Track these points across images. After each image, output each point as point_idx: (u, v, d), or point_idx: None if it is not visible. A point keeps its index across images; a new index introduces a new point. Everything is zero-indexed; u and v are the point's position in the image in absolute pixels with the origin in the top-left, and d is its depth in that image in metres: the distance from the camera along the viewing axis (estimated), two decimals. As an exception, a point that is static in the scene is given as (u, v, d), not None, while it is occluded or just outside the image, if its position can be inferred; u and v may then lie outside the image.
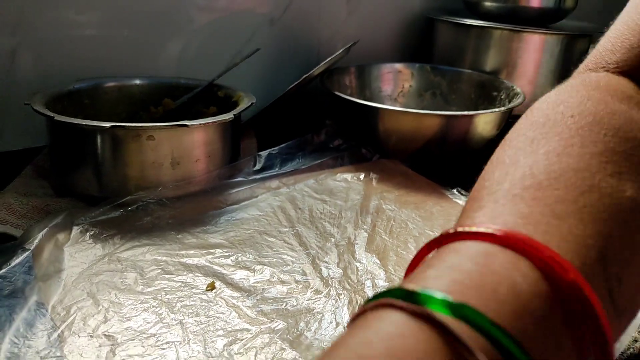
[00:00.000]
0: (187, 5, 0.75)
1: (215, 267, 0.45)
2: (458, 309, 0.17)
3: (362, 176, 0.64)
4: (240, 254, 0.47)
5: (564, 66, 0.88)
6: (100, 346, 0.35)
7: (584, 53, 0.92)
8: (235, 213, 0.54)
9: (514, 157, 0.25)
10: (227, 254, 0.47)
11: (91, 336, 0.36)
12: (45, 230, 0.45)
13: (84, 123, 0.50)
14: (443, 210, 0.57)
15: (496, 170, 0.25)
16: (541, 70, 0.88)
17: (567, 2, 0.88)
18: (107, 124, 0.49)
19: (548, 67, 0.87)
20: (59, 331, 0.36)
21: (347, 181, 0.63)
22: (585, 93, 0.28)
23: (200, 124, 0.53)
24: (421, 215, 0.56)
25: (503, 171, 0.25)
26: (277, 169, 0.64)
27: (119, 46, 0.72)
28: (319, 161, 0.66)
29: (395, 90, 0.89)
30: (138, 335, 0.36)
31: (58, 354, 0.34)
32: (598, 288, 0.20)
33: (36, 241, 0.44)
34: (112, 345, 0.35)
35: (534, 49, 0.86)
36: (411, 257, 0.27)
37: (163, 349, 0.35)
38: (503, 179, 0.24)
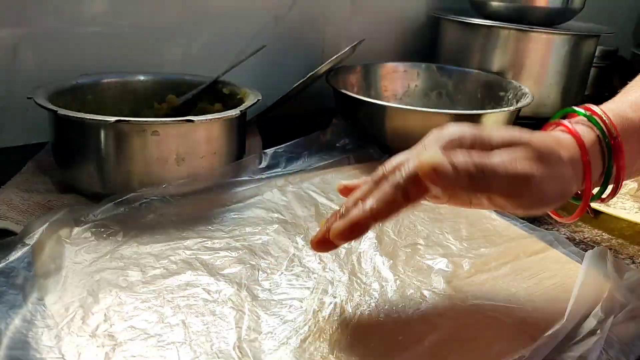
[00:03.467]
0: (193, 1, 0.75)
1: (219, 266, 0.44)
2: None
3: (368, 175, 0.62)
4: (245, 253, 0.46)
5: (571, 66, 0.87)
6: (100, 346, 0.34)
7: (591, 54, 0.92)
8: (240, 211, 0.53)
9: None
10: (232, 253, 0.46)
11: (91, 335, 0.35)
12: (46, 225, 0.44)
13: (87, 117, 0.49)
14: (451, 211, 0.56)
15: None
16: (548, 71, 0.87)
17: (575, 3, 0.87)
18: (111, 119, 0.48)
19: (555, 68, 0.86)
20: (58, 329, 0.35)
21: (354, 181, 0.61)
22: None
23: (206, 120, 0.52)
24: (430, 216, 0.55)
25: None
26: (282, 168, 0.63)
27: (123, 42, 0.71)
28: (326, 161, 0.65)
29: (401, 89, 0.88)
30: (139, 335, 0.35)
31: (57, 353, 0.33)
32: None
33: (36, 236, 0.43)
34: (112, 345, 0.34)
35: (541, 49, 0.85)
36: (419, 259, 0.46)
37: (165, 349, 0.34)
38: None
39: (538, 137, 0.37)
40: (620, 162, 0.38)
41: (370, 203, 0.35)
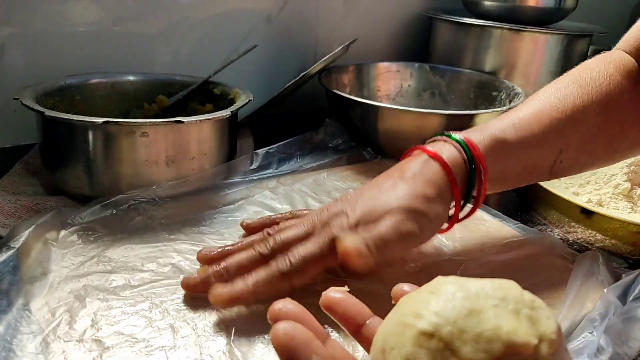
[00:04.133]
0: (183, 0, 0.74)
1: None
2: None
3: (361, 177, 0.62)
4: (235, 255, 0.45)
5: (564, 66, 0.86)
6: (87, 351, 0.33)
7: (584, 53, 0.91)
8: (231, 213, 0.52)
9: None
10: (222, 254, 0.45)
11: (78, 341, 0.34)
12: (32, 228, 0.43)
13: (75, 119, 0.48)
14: (444, 211, 0.55)
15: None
16: (541, 70, 0.87)
17: (567, 2, 0.87)
18: (99, 120, 0.47)
19: (548, 67, 0.86)
20: (44, 335, 0.34)
21: (347, 182, 0.61)
22: (597, 63, 0.49)
23: (196, 121, 0.52)
24: (422, 216, 0.54)
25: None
26: (274, 168, 0.62)
27: (112, 42, 0.70)
28: (318, 162, 0.65)
29: (394, 89, 0.88)
30: (127, 340, 0.35)
31: (42, 359, 0.32)
32: (546, 163, 0.45)
33: (22, 239, 0.42)
34: (99, 350, 0.34)
35: (534, 48, 0.85)
36: (410, 260, 0.47)
37: (153, 354, 0.34)
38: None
39: (405, 194, 0.40)
40: (484, 185, 0.42)
41: (253, 280, 0.37)
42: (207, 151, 0.55)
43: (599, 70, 0.47)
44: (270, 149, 0.64)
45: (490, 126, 0.44)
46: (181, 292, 0.40)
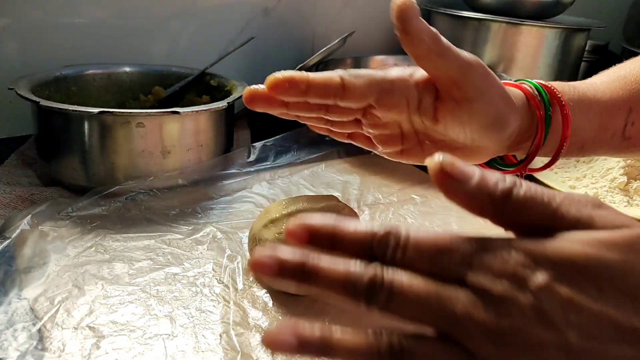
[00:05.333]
0: (180, -8, 0.73)
1: (206, 259, 0.43)
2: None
3: (358, 169, 0.62)
4: (232, 247, 0.45)
5: (562, 60, 0.86)
6: (84, 339, 0.33)
7: (582, 48, 0.91)
8: (227, 204, 0.52)
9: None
10: (219, 246, 0.45)
11: (75, 328, 0.34)
12: (28, 218, 0.43)
13: (70, 109, 0.48)
14: (442, 205, 0.55)
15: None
16: (539, 64, 0.86)
17: (565, -3, 0.87)
18: (95, 110, 0.47)
19: (546, 61, 0.86)
20: (42, 323, 0.34)
21: (344, 174, 0.61)
22: None
23: (192, 112, 0.51)
24: (420, 209, 0.54)
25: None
26: (271, 161, 0.62)
27: (109, 33, 0.70)
28: (315, 155, 0.64)
29: (391, 83, 0.87)
30: (124, 328, 0.35)
31: (39, 347, 0.32)
32: (618, 121, 0.42)
33: (18, 230, 0.42)
34: (97, 338, 0.34)
35: (532, 42, 0.85)
36: None
37: (150, 342, 0.34)
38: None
39: None
40: (566, 130, 0.38)
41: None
42: (204, 142, 0.55)
43: None
44: (268, 141, 0.64)
45: (569, 83, 0.42)
46: (179, 281, 0.40)
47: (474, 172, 0.22)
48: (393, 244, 0.22)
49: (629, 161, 0.61)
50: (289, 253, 0.21)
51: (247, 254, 0.44)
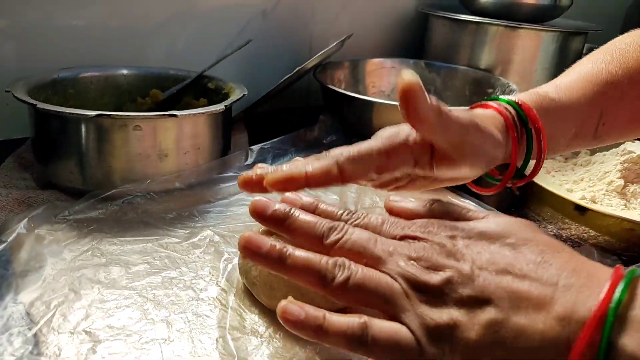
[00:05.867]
0: (178, -6, 0.73)
1: (204, 263, 0.43)
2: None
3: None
4: (230, 250, 0.45)
5: (559, 63, 0.87)
6: (80, 343, 0.33)
7: (579, 51, 0.92)
8: (225, 208, 0.52)
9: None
10: (216, 249, 0.45)
11: (71, 333, 0.34)
12: (24, 221, 0.43)
13: (67, 111, 0.47)
14: (439, 207, 0.55)
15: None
16: (536, 67, 0.87)
17: (563, 0, 0.87)
18: (92, 113, 0.47)
19: (543, 64, 0.86)
20: (37, 327, 0.34)
21: (341, 176, 0.61)
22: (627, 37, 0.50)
23: (189, 115, 0.51)
24: (416, 211, 0.54)
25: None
26: (269, 164, 0.62)
27: (106, 36, 0.70)
28: (313, 157, 0.64)
29: (388, 85, 0.88)
30: (121, 333, 0.34)
31: (35, 352, 0.32)
32: (590, 125, 0.45)
33: (14, 233, 0.42)
34: (93, 342, 0.33)
35: (530, 45, 0.85)
36: None
37: (147, 347, 0.34)
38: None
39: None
40: (542, 141, 0.41)
41: (308, 167, 0.34)
42: (201, 145, 0.55)
43: (628, 42, 0.49)
44: (265, 145, 0.64)
45: (539, 90, 0.44)
46: (175, 285, 0.40)
47: None
48: (357, 215, 0.34)
49: (626, 165, 0.61)
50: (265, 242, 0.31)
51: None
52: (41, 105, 0.48)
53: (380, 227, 0.32)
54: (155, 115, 0.50)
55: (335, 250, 0.31)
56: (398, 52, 0.99)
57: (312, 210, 0.34)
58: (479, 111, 0.41)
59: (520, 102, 0.41)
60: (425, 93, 0.33)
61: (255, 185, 0.35)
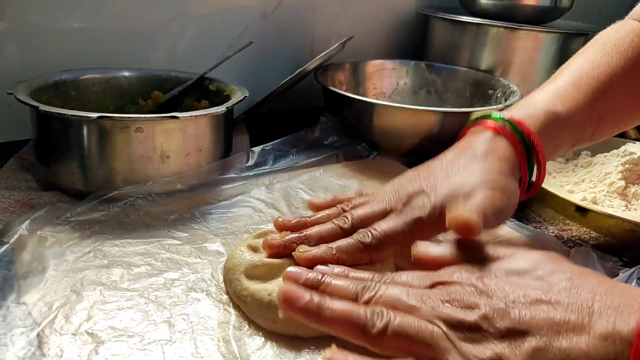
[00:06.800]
0: (179, -3, 0.74)
1: (205, 264, 0.43)
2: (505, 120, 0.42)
3: (357, 174, 0.62)
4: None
5: (560, 65, 0.86)
6: (83, 344, 0.33)
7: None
8: (227, 209, 0.52)
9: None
10: (218, 251, 0.45)
11: (74, 334, 0.34)
12: (27, 223, 0.43)
13: (69, 113, 0.48)
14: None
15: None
16: (537, 69, 0.87)
17: (563, 1, 0.88)
18: (94, 115, 0.47)
19: (544, 66, 0.87)
20: (40, 329, 0.34)
21: (342, 178, 0.61)
22: (618, 30, 0.51)
23: (191, 117, 0.51)
24: (418, 212, 0.54)
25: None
26: (270, 165, 0.62)
27: (107, 38, 0.70)
28: (314, 159, 0.65)
29: (389, 87, 0.88)
30: (123, 334, 0.35)
31: (37, 353, 0.32)
32: (589, 133, 0.46)
33: (16, 235, 0.42)
34: (95, 344, 0.33)
35: (530, 47, 0.85)
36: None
37: (149, 348, 0.34)
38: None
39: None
40: (540, 159, 0.42)
41: (336, 246, 0.38)
42: (203, 147, 0.55)
43: (621, 37, 0.50)
44: (266, 146, 0.64)
45: (537, 101, 0.44)
46: (178, 287, 0.40)
47: None
48: (387, 276, 0.33)
49: (627, 166, 0.61)
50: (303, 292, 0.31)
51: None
52: (43, 107, 0.48)
53: (411, 282, 0.32)
54: (157, 117, 0.50)
55: (372, 305, 0.31)
56: (399, 53, 0.99)
57: (344, 277, 0.34)
58: (491, 147, 0.41)
59: (528, 133, 0.41)
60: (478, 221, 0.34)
61: (281, 252, 0.39)
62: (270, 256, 0.39)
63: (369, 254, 0.37)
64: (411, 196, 0.39)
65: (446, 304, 0.29)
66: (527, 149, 0.41)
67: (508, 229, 0.52)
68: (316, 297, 0.31)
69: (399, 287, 0.32)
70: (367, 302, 0.31)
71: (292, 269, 0.34)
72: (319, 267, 0.35)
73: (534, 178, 0.44)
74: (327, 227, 0.39)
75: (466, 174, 0.39)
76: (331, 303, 0.31)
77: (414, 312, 0.30)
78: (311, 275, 0.33)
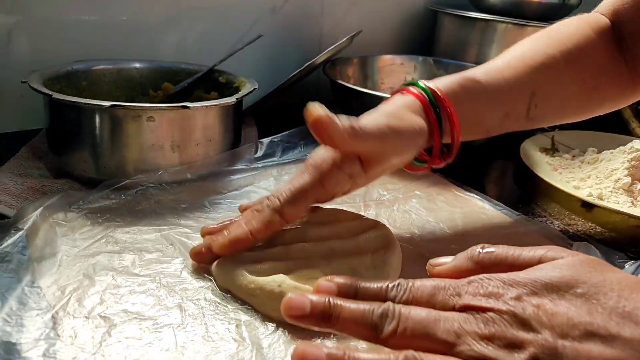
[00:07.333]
0: (189, -11, 0.74)
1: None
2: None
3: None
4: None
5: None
6: (95, 327, 0.34)
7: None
8: (236, 199, 0.53)
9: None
10: (227, 238, 0.45)
11: (87, 317, 0.35)
12: (40, 209, 0.44)
13: (82, 102, 0.48)
14: (446, 202, 0.56)
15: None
16: (544, 66, 0.87)
17: (572, -2, 0.88)
18: (107, 103, 0.48)
19: (551, 63, 0.87)
20: (54, 311, 0.35)
21: (349, 170, 0.61)
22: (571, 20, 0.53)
23: (202, 107, 0.52)
24: (425, 206, 0.55)
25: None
26: (278, 157, 0.63)
27: (119, 30, 0.71)
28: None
29: (397, 82, 0.88)
30: (135, 318, 0.35)
31: (52, 334, 0.33)
32: (521, 106, 0.48)
33: (30, 221, 0.42)
34: (108, 327, 0.34)
35: (538, 44, 0.85)
36: (412, 247, 0.47)
37: (161, 332, 0.34)
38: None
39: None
40: (453, 120, 0.44)
41: (246, 220, 0.40)
42: (213, 137, 0.55)
43: (570, 25, 0.51)
44: (275, 138, 0.64)
45: (466, 72, 0.47)
46: (188, 273, 0.40)
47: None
48: (402, 288, 0.29)
49: (633, 162, 0.61)
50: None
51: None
52: (57, 95, 0.48)
53: (433, 298, 0.28)
54: (168, 106, 0.51)
55: (396, 340, 0.27)
56: (407, 48, 0.99)
57: (353, 293, 0.30)
58: (398, 100, 0.45)
59: (433, 89, 0.44)
60: (335, 118, 0.36)
61: (206, 255, 0.40)
62: (198, 262, 0.41)
63: (281, 215, 0.39)
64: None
65: (484, 342, 0.25)
66: (434, 106, 0.44)
67: (512, 223, 0.53)
68: (339, 352, 0.26)
69: (424, 311, 0.27)
70: (391, 336, 0.26)
71: (289, 297, 0.29)
72: (322, 283, 0.30)
73: (448, 140, 0.46)
74: (246, 213, 0.42)
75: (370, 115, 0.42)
76: (358, 355, 0.26)
77: (448, 349, 0.25)
78: (317, 300, 0.28)
